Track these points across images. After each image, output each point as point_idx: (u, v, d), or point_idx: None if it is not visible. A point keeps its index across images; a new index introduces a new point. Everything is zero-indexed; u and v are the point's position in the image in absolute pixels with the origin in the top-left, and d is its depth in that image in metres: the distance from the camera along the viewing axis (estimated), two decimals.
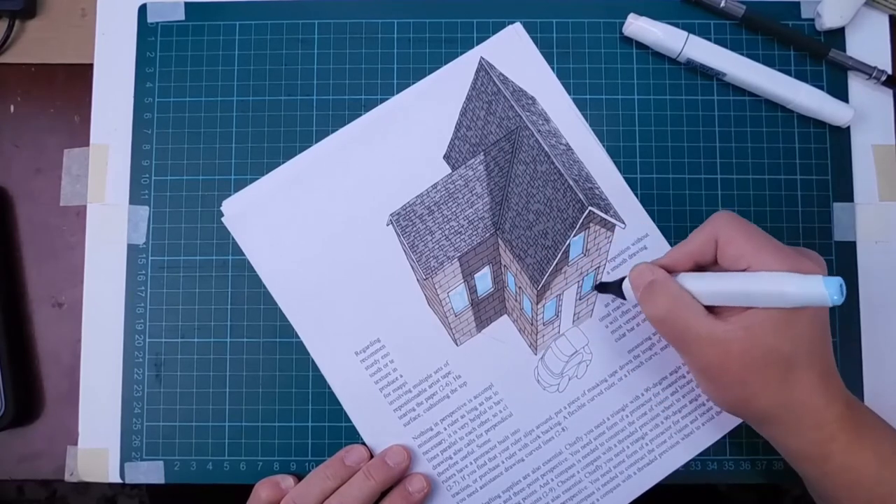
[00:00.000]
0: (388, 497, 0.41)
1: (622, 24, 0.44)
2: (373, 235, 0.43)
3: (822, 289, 0.31)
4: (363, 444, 0.42)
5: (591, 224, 0.42)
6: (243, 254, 0.44)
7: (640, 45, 0.45)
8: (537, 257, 0.42)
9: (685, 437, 0.42)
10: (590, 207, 0.42)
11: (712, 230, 0.35)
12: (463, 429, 0.43)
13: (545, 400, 0.43)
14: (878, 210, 0.44)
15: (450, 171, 0.43)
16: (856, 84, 0.45)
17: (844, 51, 0.44)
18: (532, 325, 0.43)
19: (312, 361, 0.43)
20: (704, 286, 0.35)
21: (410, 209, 0.43)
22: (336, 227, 0.43)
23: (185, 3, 0.46)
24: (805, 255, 0.34)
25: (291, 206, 0.43)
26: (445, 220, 0.43)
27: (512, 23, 0.45)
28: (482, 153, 0.43)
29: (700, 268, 0.36)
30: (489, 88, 0.44)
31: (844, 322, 0.43)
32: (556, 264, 0.42)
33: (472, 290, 0.43)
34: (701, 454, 0.43)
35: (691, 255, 0.36)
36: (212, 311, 0.44)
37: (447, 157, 0.44)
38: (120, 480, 0.43)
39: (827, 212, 0.44)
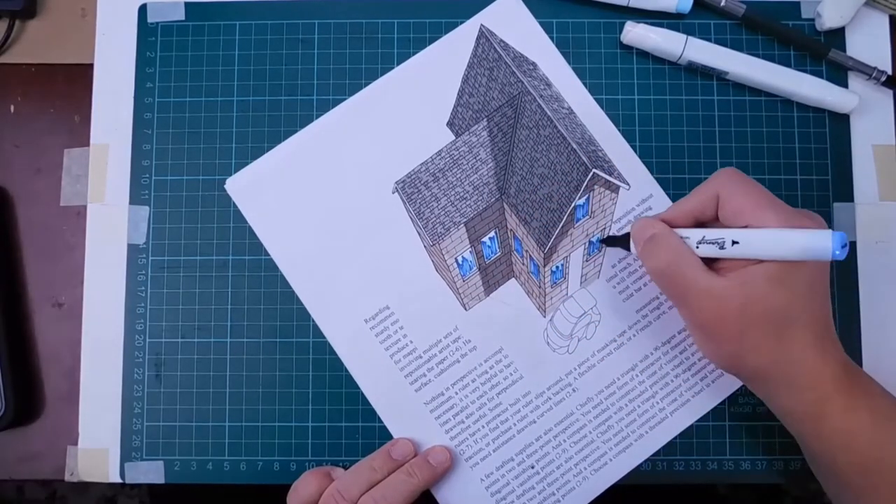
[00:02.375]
0: (408, 464, 0.41)
1: (622, 24, 0.44)
2: (379, 204, 0.43)
3: (826, 241, 0.30)
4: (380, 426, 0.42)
5: (595, 186, 0.43)
6: (244, 254, 0.44)
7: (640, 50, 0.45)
8: (543, 220, 0.43)
9: (695, 395, 0.42)
10: (594, 170, 0.42)
11: (714, 186, 0.35)
12: (474, 392, 0.43)
13: (555, 361, 0.43)
14: (878, 210, 0.44)
15: (453, 137, 0.44)
16: (856, 84, 0.45)
17: (844, 51, 0.45)
18: (540, 287, 0.43)
19: (313, 361, 0.43)
20: (705, 237, 0.35)
21: (415, 176, 0.43)
22: (342, 197, 0.43)
23: (185, 3, 0.46)
24: (805, 215, 0.34)
25: (296, 176, 0.44)
26: (450, 186, 0.43)
27: None
28: (485, 119, 0.43)
29: (701, 224, 0.37)
30: (490, 55, 0.44)
31: (845, 322, 0.43)
32: (562, 227, 0.43)
33: (479, 254, 0.43)
34: (701, 454, 0.43)
35: (692, 211, 0.36)
36: (212, 311, 0.44)
37: (450, 124, 0.44)
38: (120, 480, 0.43)
39: (827, 212, 0.44)
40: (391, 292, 0.43)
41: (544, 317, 0.43)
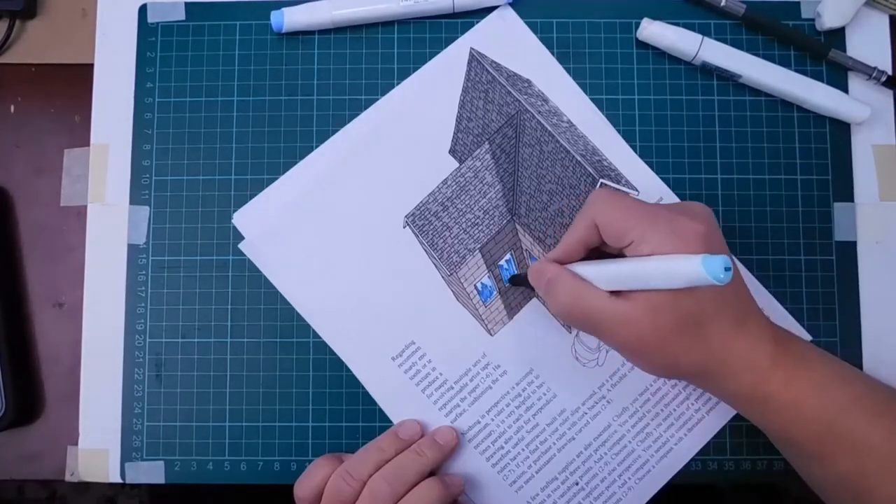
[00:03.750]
0: (416, 444, 0.40)
1: (637, 23, 0.44)
2: (391, 240, 0.43)
3: (703, 272, 0.29)
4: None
5: (589, 196, 0.42)
6: (244, 254, 0.44)
7: (655, 47, 0.45)
8: (557, 237, 0.43)
9: None
10: (601, 180, 0.42)
11: (589, 215, 0.35)
12: (510, 417, 0.43)
13: (586, 376, 0.43)
14: (878, 210, 0.44)
15: (458, 164, 0.44)
16: (856, 84, 0.45)
17: (844, 51, 0.45)
18: None
19: (313, 361, 0.43)
20: (598, 275, 0.35)
21: (424, 208, 0.43)
22: (352, 237, 0.43)
23: (186, 3, 0.46)
24: (683, 214, 0.34)
25: (305, 223, 0.43)
26: (461, 213, 0.43)
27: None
28: (487, 142, 0.43)
29: (593, 251, 0.37)
30: (483, 78, 0.44)
31: (845, 322, 0.43)
32: None
33: (497, 278, 0.43)
34: (701, 454, 0.43)
35: (580, 241, 0.36)
36: (212, 311, 0.44)
37: (453, 152, 0.44)
38: (120, 480, 0.43)
39: (827, 212, 0.44)
40: (415, 327, 0.43)
41: (570, 332, 0.43)
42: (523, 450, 0.42)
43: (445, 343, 0.43)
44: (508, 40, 0.44)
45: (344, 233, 0.43)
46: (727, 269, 0.29)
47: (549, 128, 0.42)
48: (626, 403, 0.43)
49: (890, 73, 0.44)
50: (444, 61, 0.44)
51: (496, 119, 0.43)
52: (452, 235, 0.43)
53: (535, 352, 0.43)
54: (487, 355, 0.43)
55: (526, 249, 0.43)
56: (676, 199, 0.44)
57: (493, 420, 0.43)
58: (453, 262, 0.43)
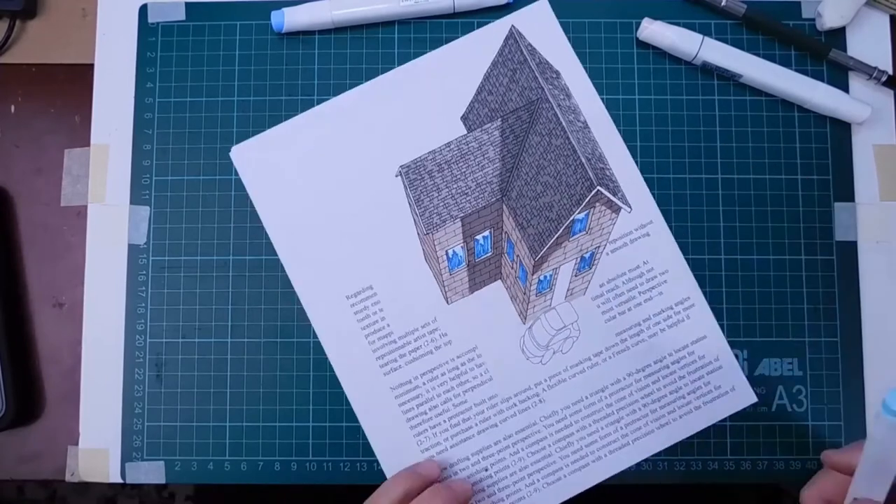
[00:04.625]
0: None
1: (638, 23, 0.44)
2: (380, 185, 0.43)
3: None
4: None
5: (597, 203, 0.43)
6: (244, 254, 0.44)
7: (655, 47, 0.45)
8: (539, 228, 0.43)
9: (660, 427, 0.42)
10: (598, 187, 0.42)
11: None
12: (441, 386, 0.43)
13: (527, 370, 0.43)
14: (879, 210, 0.44)
15: (465, 132, 0.44)
16: (856, 84, 0.45)
17: (845, 51, 0.44)
18: (525, 294, 0.43)
19: (313, 361, 0.43)
20: None
21: (421, 164, 0.43)
22: (345, 174, 0.44)
23: (186, 3, 0.46)
24: None
25: (302, 149, 0.44)
26: (454, 179, 0.43)
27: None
28: (500, 119, 0.43)
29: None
30: (516, 57, 0.44)
31: (846, 322, 0.43)
32: (557, 238, 0.42)
33: (470, 251, 0.43)
34: (701, 454, 0.43)
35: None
36: (212, 311, 0.44)
37: (464, 119, 0.44)
38: (121, 481, 0.43)
39: (828, 212, 0.44)
40: (377, 273, 0.43)
41: (524, 324, 0.43)
42: (444, 421, 0.43)
43: (402, 297, 0.43)
44: (543, 32, 0.45)
45: (337, 168, 0.44)
46: None
47: (564, 123, 0.42)
48: (557, 408, 0.43)
49: (890, 72, 0.44)
50: (482, 33, 0.45)
51: (516, 100, 0.43)
52: (440, 197, 0.43)
53: (485, 332, 0.43)
54: (438, 321, 0.43)
55: (506, 232, 0.43)
56: (666, 228, 0.43)
57: (424, 384, 0.43)
58: (433, 223, 0.43)
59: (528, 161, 0.43)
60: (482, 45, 0.44)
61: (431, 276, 0.43)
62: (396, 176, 0.43)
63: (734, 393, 0.43)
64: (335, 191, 0.43)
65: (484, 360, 0.43)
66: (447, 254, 0.43)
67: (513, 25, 0.44)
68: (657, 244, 0.43)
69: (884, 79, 0.44)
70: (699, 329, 0.43)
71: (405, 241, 0.43)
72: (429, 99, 0.44)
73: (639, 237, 0.43)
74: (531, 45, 0.44)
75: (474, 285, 0.43)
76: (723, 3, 0.44)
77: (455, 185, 0.43)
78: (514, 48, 0.44)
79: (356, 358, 0.43)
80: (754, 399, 0.43)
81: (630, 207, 0.43)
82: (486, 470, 0.42)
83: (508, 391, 0.43)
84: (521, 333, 0.43)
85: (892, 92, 0.45)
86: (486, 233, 0.43)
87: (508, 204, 0.43)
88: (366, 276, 0.43)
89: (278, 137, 0.44)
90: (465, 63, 0.44)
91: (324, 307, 0.43)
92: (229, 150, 0.45)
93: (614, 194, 0.43)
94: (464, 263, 0.43)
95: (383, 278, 0.43)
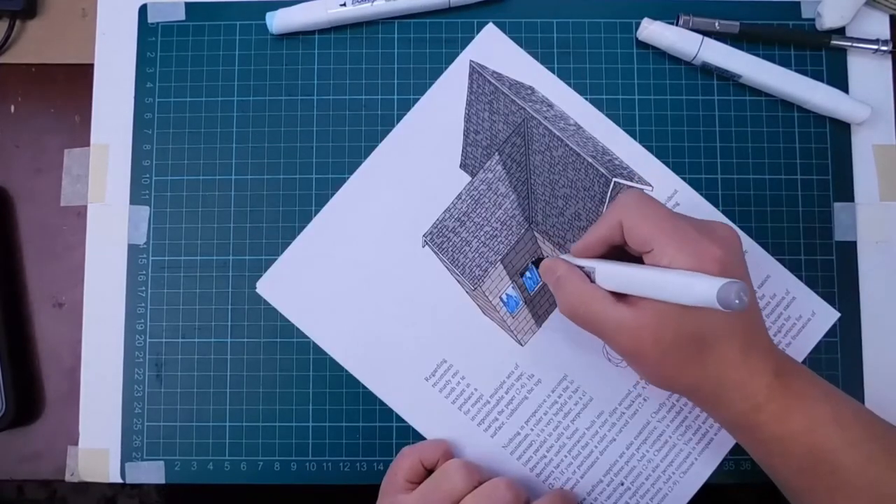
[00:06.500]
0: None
1: (637, 23, 0.44)
2: (411, 260, 0.43)
3: (715, 295, 0.29)
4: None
5: (619, 194, 0.42)
6: (244, 254, 0.44)
7: (655, 47, 0.45)
8: (576, 241, 0.42)
9: None
10: (614, 179, 0.42)
11: (617, 214, 0.35)
12: (549, 425, 0.42)
13: (620, 375, 0.43)
14: (878, 210, 0.44)
15: (469, 178, 0.44)
16: (857, 84, 0.45)
17: (845, 52, 0.45)
18: None
19: (313, 361, 0.43)
20: (614, 273, 0.35)
21: (441, 225, 0.43)
22: (372, 264, 0.43)
23: (186, 4, 0.46)
24: (708, 238, 0.33)
25: (321, 259, 0.43)
26: (478, 227, 0.43)
27: (484, 24, 0.45)
28: (496, 153, 0.43)
29: (614, 248, 0.37)
30: (486, 89, 0.44)
31: (845, 322, 0.43)
32: None
33: (522, 288, 0.43)
34: None
35: (602, 239, 0.36)
36: (212, 311, 0.44)
37: (463, 166, 0.44)
38: (121, 480, 0.43)
39: (827, 212, 0.44)
40: (444, 345, 0.43)
41: None
42: (566, 456, 0.42)
43: (477, 358, 0.43)
44: (502, 54, 0.45)
45: (362, 261, 0.43)
46: (740, 299, 0.29)
47: (557, 132, 0.42)
48: (663, 399, 0.42)
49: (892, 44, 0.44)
50: (446, 79, 0.44)
51: (503, 129, 0.43)
52: (472, 249, 0.43)
53: (567, 357, 0.43)
54: (520, 366, 0.43)
55: (547, 256, 0.43)
56: (692, 191, 0.44)
57: (532, 430, 0.42)
58: (476, 276, 0.43)
59: (540, 181, 0.43)
60: (450, 91, 0.44)
61: (496, 326, 0.43)
62: (423, 247, 0.43)
63: (816, 317, 0.43)
64: (371, 285, 0.43)
65: (578, 384, 0.43)
66: (502, 299, 0.43)
67: (471, 61, 0.44)
68: (690, 208, 0.43)
69: (889, 47, 0.43)
70: (762, 271, 0.43)
71: (458, 304, 0.43)
72: (423, 161, 0.44)
73: (672, 207, 0.43)
74: (496, 72, 0.44)
75: (539, 318, 0.43)
76: (717, 27, 0.44)
77: (482, 232, 0.43)
78: (482, 81, 0.44)
79: (458, 431, 0.42)
80: (837, 315, 0.43)
81: (651, 185, 0.43)
82: (623, 484, 0.42)
83: (612, 403, 0.42)
84: (600, 344, 0.42)
85: (892, 92, 0.45)
86: (530, 265, 0.43)
87: (538, 229, 0.43)
88: (435, 353, 0.43)
89: (294, 257, 0.44)
90: (441, 115, 0.44)
91: (407, 396, 0.43)
92: (229, 151, 0.44)
93: (631, 179, 0.43)
94: (521, 303, 0.43)
95: (453, 347, 0.43)
